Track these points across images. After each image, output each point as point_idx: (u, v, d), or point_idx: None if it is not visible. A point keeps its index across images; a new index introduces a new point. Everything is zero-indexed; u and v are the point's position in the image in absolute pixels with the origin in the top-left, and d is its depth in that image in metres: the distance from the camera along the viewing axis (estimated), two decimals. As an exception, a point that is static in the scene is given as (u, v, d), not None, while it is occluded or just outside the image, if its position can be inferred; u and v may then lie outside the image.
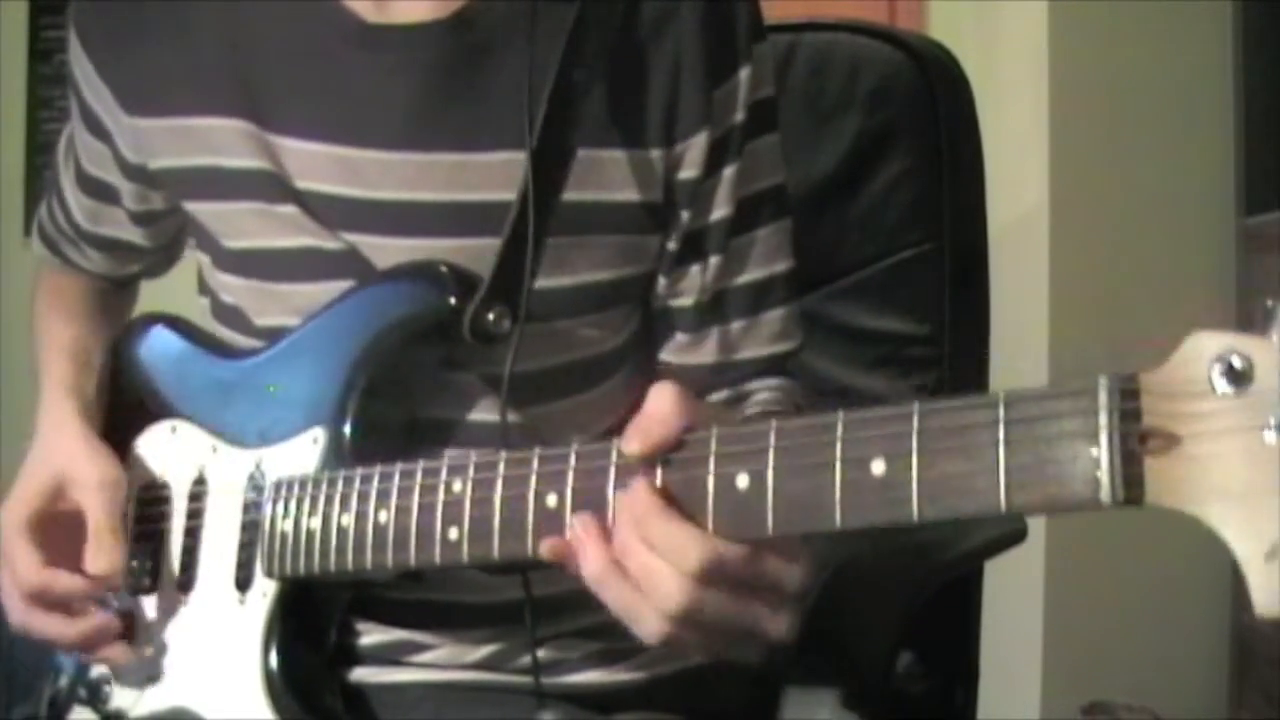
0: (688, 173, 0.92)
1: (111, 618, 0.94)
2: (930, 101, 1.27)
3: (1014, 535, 1.19)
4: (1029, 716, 2.35)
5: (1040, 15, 2.43)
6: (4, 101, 3.35)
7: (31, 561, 0.92)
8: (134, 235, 1.07)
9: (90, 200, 1.06)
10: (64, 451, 0.96)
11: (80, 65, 0.99)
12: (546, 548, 0.71)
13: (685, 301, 0.96)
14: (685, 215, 0.93)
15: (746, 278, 0.96)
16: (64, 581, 0.92)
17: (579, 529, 0.70)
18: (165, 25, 0.95)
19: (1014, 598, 2.19)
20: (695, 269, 0.95)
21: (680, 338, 0.97)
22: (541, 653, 0.93)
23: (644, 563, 0.67)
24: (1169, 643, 2.35)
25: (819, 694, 0.98)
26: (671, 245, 0.94)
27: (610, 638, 0.96)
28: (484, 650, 0.95)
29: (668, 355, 0.98)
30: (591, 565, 0.69)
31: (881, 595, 1.08)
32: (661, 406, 0.68)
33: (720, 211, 0.93)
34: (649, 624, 0.68)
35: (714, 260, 0.94)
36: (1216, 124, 2.40)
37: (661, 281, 0.96)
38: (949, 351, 1.27)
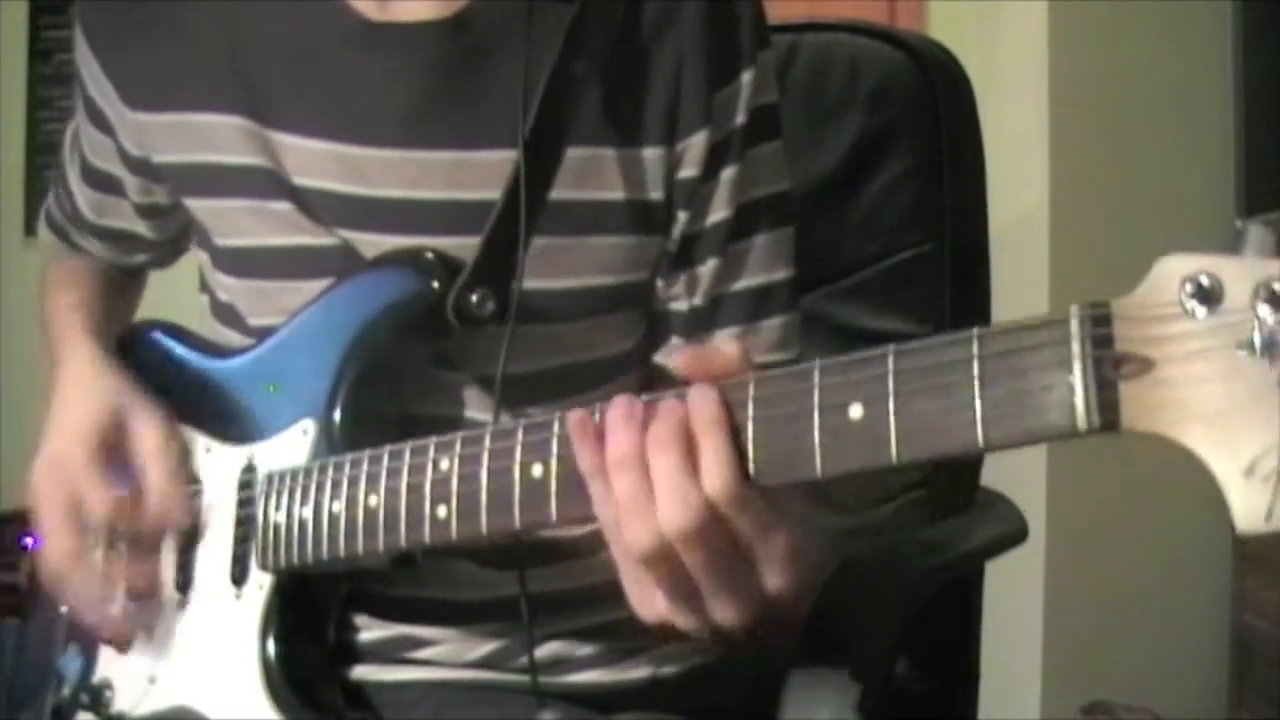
0: (687, 172, 0.92)
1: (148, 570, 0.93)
2: (931, 101, 1.27)
3: (1014, 535, 1.19)
4: (1029, 716, 2.36)
5: (1040, 15, 2.43)
6: (4, 101, 3.36)
7: (107, 494, 0.91)
8: (139, 227, 1.08)
9: (95, 192, 1.07)
10: (112, 392, 0.96)
11: (85, 60, 0.99)
12: (574, 421, 0.68)
13: (682, 305, 0.96)
14: (683, 216, 0.93)
15: (744, 284, 0.95)
16: (136, 518, 0.91)
17: (619, 408, 0.67)
18: (168, 21, 0.95)
19: (1014, 598, 2.20)
20: (691, 273, 0.94)
21: (676, 342, 0.97)
22: (542, 652, 0.93)
23: (675, 465, 0.64)
24: (1169, 643, 2.36)
25: (819, 694, 0.98)
26: (671, 248, 0.94)
27: (611, 637, 0.96)
28: (485, 648, 0.95)
29: (664, 359, 0.98)
30: (620, 445, 0.66)
31: (882, 595, 1.08)
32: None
33: (718, 215, 0.93)
34: (640, 538, 0.65)
35: (711, 264, 0.94)
36: (1216, 124, 2.40)
37: (659, 284, 0.96)
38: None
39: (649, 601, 0.68)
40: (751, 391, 0.65)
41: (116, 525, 0.91)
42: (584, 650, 0.96)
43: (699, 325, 0.96)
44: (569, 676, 0.96)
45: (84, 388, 0.97)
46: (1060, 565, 2.34)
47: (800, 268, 0.99)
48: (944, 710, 1.22)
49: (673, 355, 0.97)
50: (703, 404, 0.65)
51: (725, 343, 0.68)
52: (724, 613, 0.67)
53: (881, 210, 1.29)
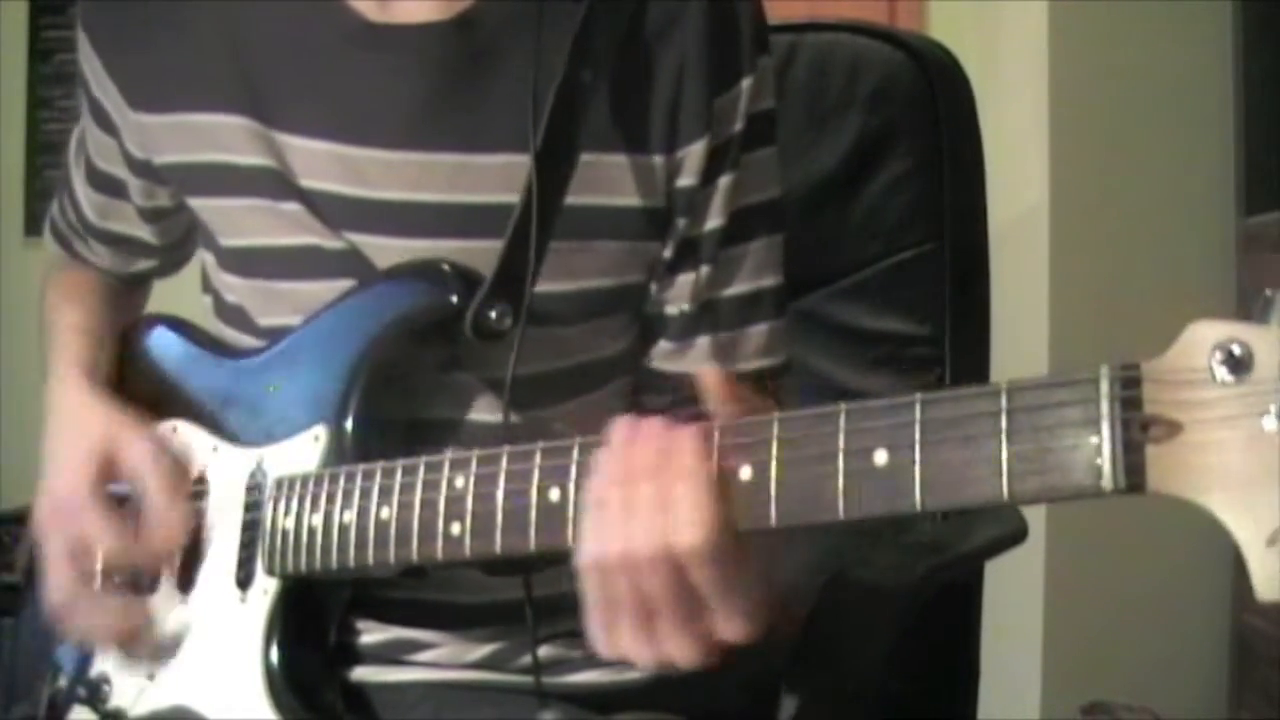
0: (686, 180, 0.92)
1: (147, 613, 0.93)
2: (931, 101, 1.27)
3: (1014, 535, 1.19)
4: (1029, 716, 2.36)
5: (1040, 15, 2.43)
6: (4, 101, 3.35)
7: (113, 531, 0.90)
8: (142, 231, 1.07)
9: (99, 195, 1.07)
10: (103, 428, 0.95)
11: (89, 61, 0.99)
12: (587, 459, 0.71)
13: (673, 310, 0.95)
14: (681, 223, 0.93)
15: (734, 290, 0.95)
16: (137, 554, 0.91)
17: (618, 432, 0.70)
18: (171, 22, 0.95)
19: (1014, 598, 2.20)
20: (685, 278, 0.94)
21: (665, 345, 0.97)
22: (542, 652, 0.93)
23: (649, 494, 0.67)
24: (1169, 643, 2.35)
25: (818, 694, 0.98)
26: (667, 253, 0.94)
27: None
28: (485, 649, 0.95)
29: (653, 362, 0.98)
30: (641, 455, 0.68)
31: (882, 595, 1.08)
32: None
33: (713, 222, 0.93)
34: (612, 549, 0.67)
35: (703, 270, 0.94)
36: (1216, 124, 2.40)
37: (653, 288, 0.96)
38: (949, 352, 1.27)
39: (612, 630, 0.70)
40: (776, 431, 0.65)
41: (123, 561, 0.91)
42: (583, 651, 0.96)
43: (687, 329, 0.95)
44: (568, 677, 0.96)
45: (77, 424, 0.97)
46: (1060, 565, 2.34)
47: (800, 268, 0.99)
48: (944, 710, 1.22)
49: (675, 359, 0.97)
50: (685, 450, 0.67)
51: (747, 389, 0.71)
52: (677, 649, 0.69)
53: (882, 210, 1.29)
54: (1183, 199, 2.40)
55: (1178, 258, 2.36)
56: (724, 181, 0.92)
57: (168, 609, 0.95)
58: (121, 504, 0.93)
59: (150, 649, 0.94)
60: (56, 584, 0.92)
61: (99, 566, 0.91)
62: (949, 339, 1.27)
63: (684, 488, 0.66)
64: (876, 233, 1.29)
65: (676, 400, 0.91)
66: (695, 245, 0.94)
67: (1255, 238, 2.31)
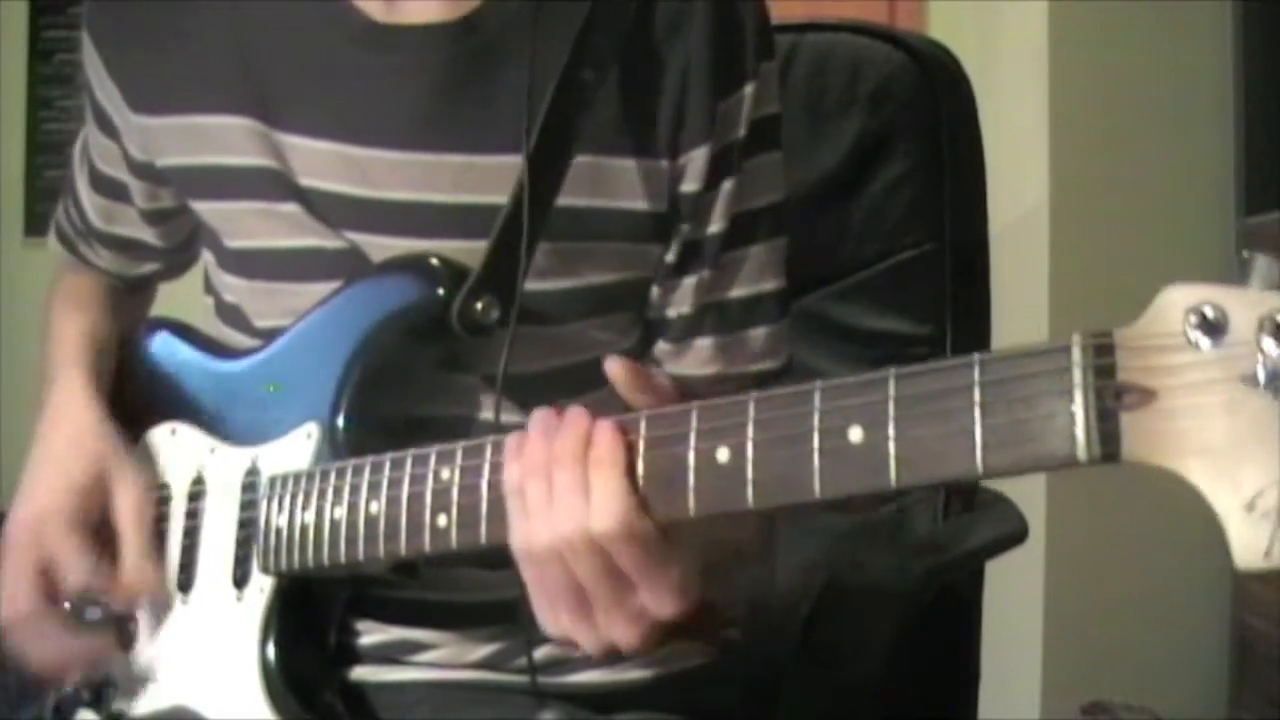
0: (690, 185, 0.91)
1: (106, 634, 0.93)
2: (931, 102, 1.27)
3: (1014, 535, 1.19)
4: (1029, 716, 2.36)
5: (1040, 15, 2.43)
6: (4, 101, 3.35)
7: (84, 565, 0.91)
8: (146, 234, 1.07)
9: (103, 199, 1.07)
10: (99, 447, 0.95)
11: (92, 64, 0.99)
12: (509, 442, 0.73)
13: (673, 313, 0.95)
14: (684, 228, 0.93)
15: (735, 293, 0.95)
16: (107, 590, 0.92)
17: (536, 422, 0.73)
18: (173, 23, 0.95)
19: (1014, 598, 2.20)
20: (688, 281, 0.94)
21: (665, 346, 0.97)
22: (542, 652, 0.93)
23: (569, 481, 0.70)
24: (1169, 643, 2.36)
25: (818, 694, 0.98)
26: (670, 257, 0.94)
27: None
28: (484, 650, 0.95)
29: (653, 363, 0.98)
30: (531, 455, 0.71)
31: (882, 596, 1.08)
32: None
33: (716, 226, 0.93)
34: (538, 537, 0.70)
35: (705, 274, 0.94)
36: (1216, 124, 2.40)
37: (655, 291, 0.95)
38: (950, 352, 1.27)
39: (552, 614, 0.73)
40: (751, 412, 0.65)
41: (84, 597, 0.92)
42: (583, 651, 0.96)
43: (688, 331, 0.95)
44: (568, 677, 0.96)
45: (72, 441, 0.96)
46: (1060, 565, 2.34)
47: (800, 268, 0.99)
48: (944, 710, 1.22)
49: (668, 361, 0.97)
50: (600, 438, 0.70)
51: (661, 374, 0.76)
52: (613, 629, 0.72)
53: (882, 210, 1.28)
54: (1183, 199, 2.40)
55: (1178, 258, 2.36)
56: (726, 186, 0.92)
57: (167, 610, 0.95)
58: (98, 532, 0.93)
59: (124, 666, 0.94)
60: (9, 603, 0.93)
61: (63, 591, 0.92)
62: (949, 339, 1.27)
63: (600, 475, 0.69)
64: (877, 233, 1.29)
65: (654, 403, 0.91)
66: (697, 249, 0.94)
67: (1255, 238, 2.31)
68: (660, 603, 0.70)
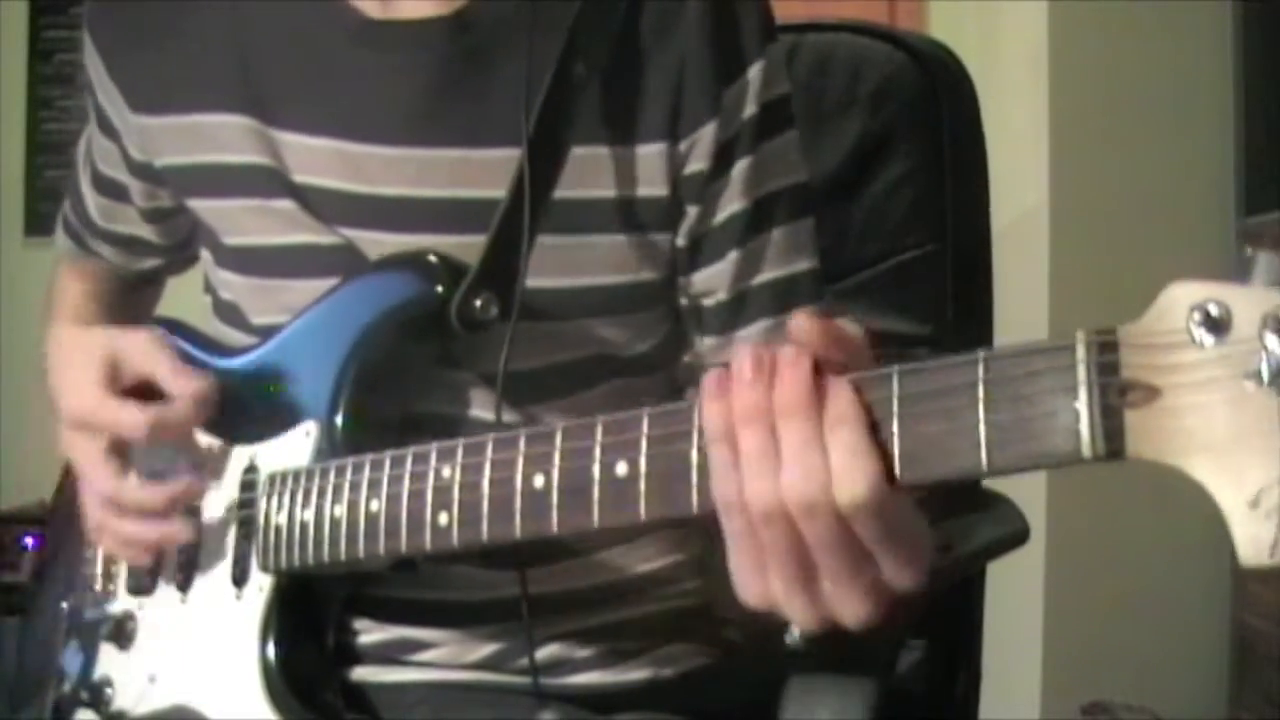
0: (694, 167, 0.91)
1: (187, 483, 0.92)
2: (932, 102, 1.27)
3: (1016, 536, 1.19)
4: (1029, 716, 2.36)
5: (1040, 15, 2.43)
6: (4, 101, 3.35)
7: (137, 413, 0.90)
8: (146, 232, 1.08)
9: (104, 199, 1.08)
10: (100, 337, 0.96)
11: (93, 65, 0.99)
12: (710, 379, 0.63)
13: (709, 302, 0.95)
14: (693, 211, 0.93)
15: (767, 276, 0.94)
16: (134, 494, 0.91)
17: (748, 361, 0.61)
18: (172, 24, 0.95)
19: (1014, 598, 2.20)
20: (715, 268, 0.94)
21: (710, 341, 0.96)
22: (543, 653, 0.93)
23: (804, 438, 0.59)
24: (1169, 643, 2.36)
25: (819, 695, 0.98)
26: (680, 242, 0.94)
27: (612, 639, 0.96)
28: (485, 650, 0.95)
29: (701, 357, 0.97)
30: (746, 400, 0.61)
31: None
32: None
33: (733, 208, 0.93)
34: (764, 495, 0.60)
35: (731, 258, 0.93)
36: (1216, 124, 2.40)
37: (681, 281, 0.95)
38: (951, 352, 1.26)
39: (758, 578, 0.63)
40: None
41: (154, 437, 0.90)
42: (584, 651, 0.96)
43: (727, 322, 0.95)
44: (569, 678, 0.96)
45: (74, 348, 0.97)
46: (1060, 565, 2.34)
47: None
48: (944, 710, 1.22)
49: (715, 354, 0.95)
50: (838, 392, 0.60)
51: (850, 325, 0.64)
52: (842, 603, 0.62)
53: (883, 211, 1.28)
54: (1182, 199, 2.40)
55: (1178, 258, 2.36)
56: (740, 168, 0.92)
57: (167, 609, 0.95)
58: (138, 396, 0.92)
59: (188, 532, 0.92)
60: (93, 493, 0.92)
61: (140, 445, 0.91)
62: (950, 339, 1.26)
63: (844, 434, 0.59)
64: (878, 233, 1.29)
65: None
66: (717, 234, 0.93)
67: (1255, 238, 2.31)
68: (901, 575, 0.62)
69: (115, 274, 1.13)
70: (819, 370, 0.61)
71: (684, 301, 0.96)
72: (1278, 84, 2.26)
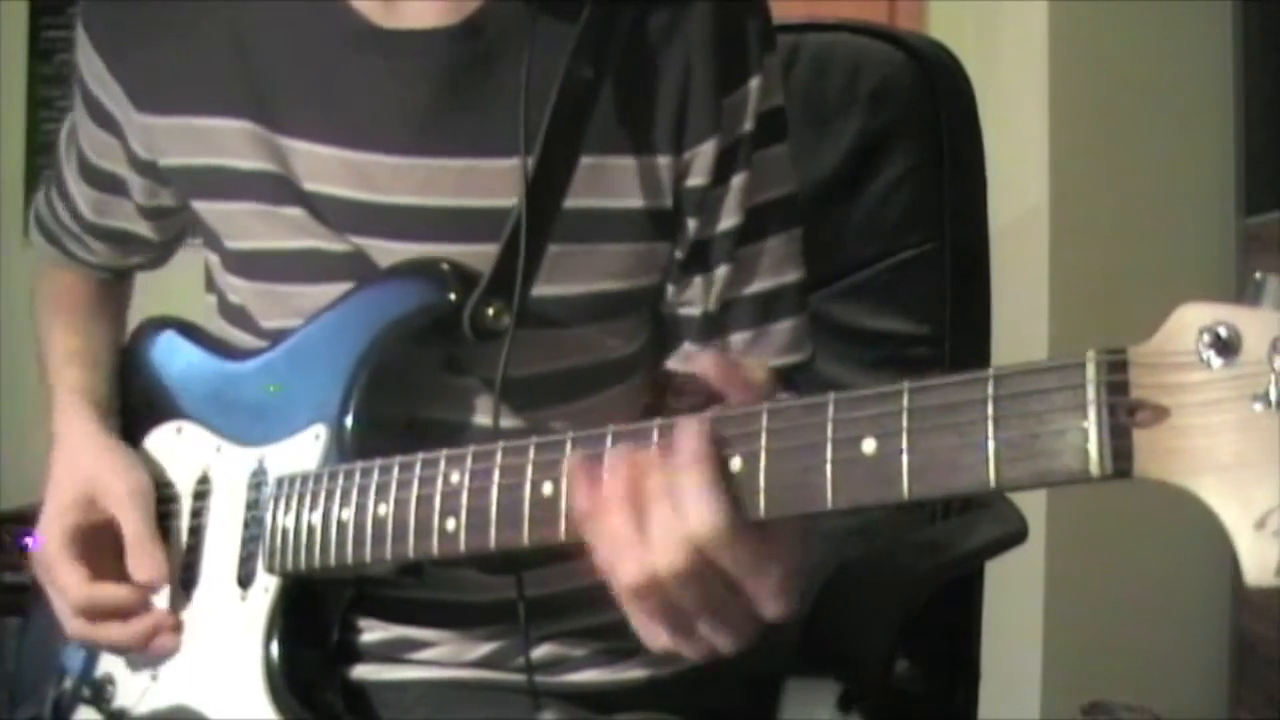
0: (696, 180, 0.92)
1: (163, 613, 0.94)
2: (931, 102, 1.27)
3: (1014, 535, 1.19)
4: (1029, 716, 2.36)
5: (1040, 15, 2.43)
6: (4, 101, 3.35)
7: (77, 578, 0.94)
8: (141, 228, 1.07)
9: (96, 192, 1.06)
10: (90, 464, 0.97)
11: (89, 61, 0.98)
12: (574, 463, 0.70)
13: (693, 311, 0.95)
14: (693, 224, 0.93)
15: (755, 288, 0.95)
16: (109, 593, 0.93)
17: (615, 453, 0.68)
18: (175, 24, 0.95)
19: (1014, 598, 2.20)
20: (703, 278, 0.94)
21: (688, 347, 0.97)
22: (542, 651, 0.93)
23: (664, 510, 0.65)
24: (1169, 643, 2.36)
25: (818, 694, 0.98)
26: (679, 254, 0.94)
27: (611, 637, 0.96)
28: (485, 648, 0.95)
29: (676, 364, 0.98)
30: (611, 488, 0.67)
31: (882, 595, 1.08)
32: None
33: (728, 221, 0.93)
34: (631, 574, 0.67)
35: (722, 270, 0.94)
36: (1216, 124, 2.40)
37: (670, 290, 0.96)
38: (950, 352, 1.27)
39: (652, 634, 0.70)
40: (765, 422, 0.65)
41: (97, 603, 0.93)
42: (582, 650, 0.96)
43: (710, 330, 0.95)
44: (567, 676, 0.96)
45: (70, 460, 0.99)
46: (1060, 565, 2.35)
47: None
48: (944, 710, 1.22)
49: (693, 360, 0.96)
50: (687, 440, 0.66)
51: (758, 365, 0.71)
52: (722, 640, 0.69)
53: (882, 210, 1.28)
54: (1183, 199, 2.40)
55: (1178, 258, 2.36)
56: (736, 181, 0.92)
57: (172, 608, 0.95)
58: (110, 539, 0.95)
59: (178, 643, 0.95)
60: (61, 619, 0.96)
61: (74, 607, 0.94)
62: (949, 339, 1.27)
63: (689, 480, 0.65)
64: (877, 233, 1.29)
65: (696, 404, 0.91)
66: (711, 245, 0.94)
67: (1255, 238, 2.31)
68: (770, 604, 0.67)
69: (94, 288, 1.12)
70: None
71: (666, 306, 0.97)
72: (1278, 84, 2.26)
